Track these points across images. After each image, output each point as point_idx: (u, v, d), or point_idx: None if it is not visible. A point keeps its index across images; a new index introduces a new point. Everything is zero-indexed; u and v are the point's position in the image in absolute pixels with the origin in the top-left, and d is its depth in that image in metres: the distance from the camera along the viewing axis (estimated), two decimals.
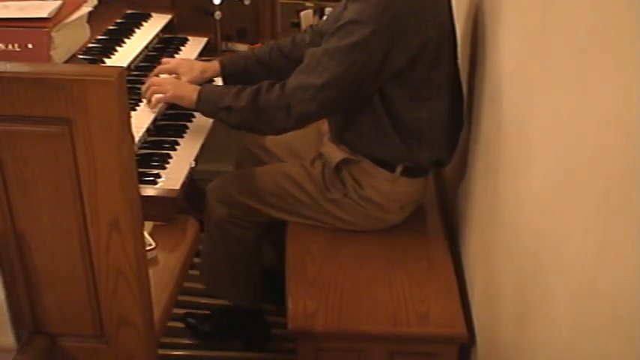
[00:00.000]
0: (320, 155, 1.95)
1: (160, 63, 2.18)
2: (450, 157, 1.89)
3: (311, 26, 2.15)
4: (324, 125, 2.07)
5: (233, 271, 2.05)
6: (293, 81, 1.71)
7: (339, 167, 1.86)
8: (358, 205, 1.85)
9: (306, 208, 1.91)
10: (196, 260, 2.15)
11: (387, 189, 1.84)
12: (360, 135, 1.82)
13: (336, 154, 1.86)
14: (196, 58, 2.28)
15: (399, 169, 1.82)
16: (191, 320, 2.22)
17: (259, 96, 1.72)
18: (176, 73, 1.99)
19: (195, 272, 2.19)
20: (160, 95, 1.87)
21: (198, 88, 1.84)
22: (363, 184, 1.84)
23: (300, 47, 2.03)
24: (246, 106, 1.72)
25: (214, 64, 2.04)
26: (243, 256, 2.02)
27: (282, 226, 2.03)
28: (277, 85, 1.72)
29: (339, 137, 1.88)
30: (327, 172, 1.88)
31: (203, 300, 2.31)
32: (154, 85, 1.89)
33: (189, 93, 1.83)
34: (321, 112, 1.75)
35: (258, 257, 2.10)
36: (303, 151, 2.08)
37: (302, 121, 1.75)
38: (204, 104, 1.81)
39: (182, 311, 2.25)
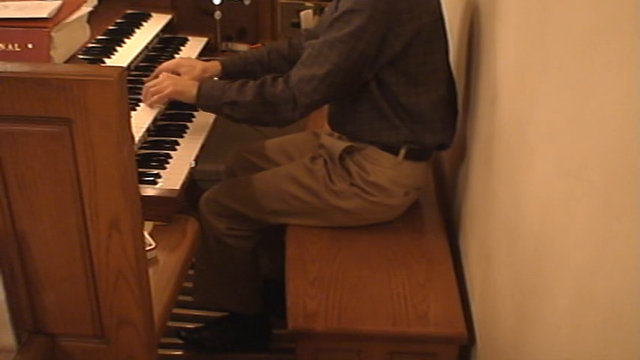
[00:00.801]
0: (320, 150, 1.96)
1: (160, 63, 2.18)
2: (451, 141, 1.92)
3: (306, 30, 2.16)
4: (321, 126, 2.08)
5: (235, 283, 2.05)
6: (296, 74, 1.74)
7: (342, 157, 1.88)
8: (364, 191, 1.87)
9: (311, 208, 1.91)
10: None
11: (392, 173, 1.86)
12: (362, 123, 1.84)
13: (338, 144, 1.89)
14: (196, 58, 2.28)
15: (402, 151, 1.84)
16: (184, 334, 2.20)
17: (264, 90, 1.75)
18: (177, 72, 1.98)
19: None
20: (160, 94, 1.86)
21: (197, 83, 1.85)
22: (368, 169, 1.86)
23: (297, 51, 2.05)
24: (252, 100, 1.75)
25: (215, 64, 2.04)
26: (244, 265, 2.02)
27: (277, 231, 2.03)
28: (280, 79, 1.75)
29: (339, 129, 1.91)
30: (330, 164, 1.90)
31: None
32: (153, 86, 1.88)
33: (189, 88, 1.84)
34: (324, 101, 1.80)
35: (257, 264, 2.09)
36: (301, 154, 2.08)
37: (307, 111, 1.79)
38: (206, 99, 1.82)
39: (182, 311, 2.25)
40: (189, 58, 2.15)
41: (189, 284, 2.23)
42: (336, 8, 1.83)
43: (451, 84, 1.89)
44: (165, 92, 1.86)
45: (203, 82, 1.86)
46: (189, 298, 2.27)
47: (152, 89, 1.88)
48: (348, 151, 1.87)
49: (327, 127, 2.00)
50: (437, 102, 1.83)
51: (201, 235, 1.93)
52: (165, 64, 2.02)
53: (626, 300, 0.85)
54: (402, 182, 1.88)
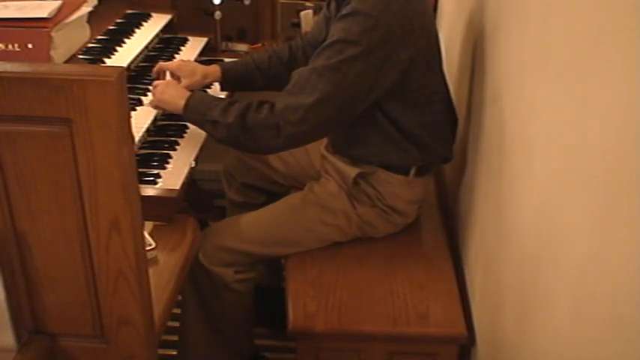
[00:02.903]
0: (325, 163, 1.91)
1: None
2: (452, 154, 1.91)
3: (301, 36, 2.12)
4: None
5: (232, 335, 2.00)
6: (281, 101, 1.63)
7: (356, 181, 1.82)
8: (385, 212, 1.85)
9: (339, 230, 1.86)
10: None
11: (405, 193, 1.83)
12: (368, 148, 1.78)
13: (346, 168, 1.83)
14: (196, 59, 2.28)
15: (412, 171, 1.81)
16: None
17: (248, 113, 1.64)
18: (177, 75, 1.96)
19: None
20: (150, 102, 1.86)
21: (187, 94, 1.77)
22: (382, 193, 1.82)
23: (296, 56, 2.02)
24: (233, 123, 1.64)
25: (216, 69, 2.00)
26: (244, 311, 1.98)
27: None
28: (266, 105, 1.65)
29: (343, 153, 1.84)
30: (344, 186, 1.85)
31: None
32: (162, 86, 1.85)
33: (176, 99, 1.77)
34: (314, 132, 1.68)
35: (254, 302, 2.04)
36: (303, 158, 2.07)
37: (292, 142, 1.68)
38: (191, 113, 1.74)
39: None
40: (190, 61, 2.10)
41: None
42: (329, 12, 1.81)
43: (449, 99, 1.85)
44: (152, 100, 1.84)
45: (193, 94, 1.78)
46: None
47: (158, 89, 1.84)
48: (360, 176, 1.81)
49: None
50: (439, 121, 1.79)
51: (194, 292, 1.89)
52: (165, 64, 2.00)
53: (627, 300, 0.85)
54: (414, 199, 1.87)
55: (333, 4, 1.81)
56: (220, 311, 1.94)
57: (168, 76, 2.00)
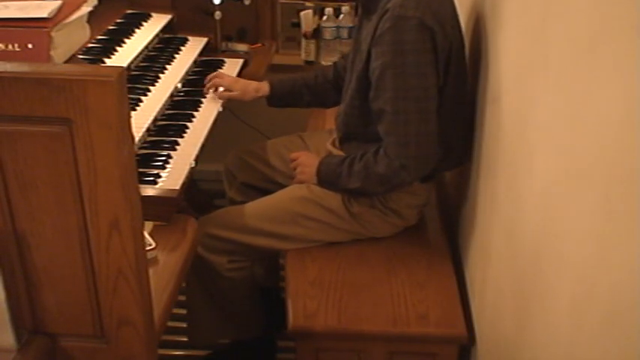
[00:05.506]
0: None
1: (160, 63, 2.19)
2: (462, 161, 1.89)
3: (344, 55, 2.15)
4: (322, 126, 2.06)
5: (236, 315, 2.02)
6: (390, 144, 1.68)
7: None
8: (384, 214, 1.85)
9: (330, 227, 1.87)
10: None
11: (407, 197, 1.84)
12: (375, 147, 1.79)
13: None
14: (197, 59, 2.31)
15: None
16: None
17: (370, 172, 1.72)
18: (231, 91, 2.09)
19: None
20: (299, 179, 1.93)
21: (315, 164, 1.86)
22: (386, 196, 1.83)
23: (341, 74, 2.06)
24: (363, 186, 1.76)
25: (265, 84, 2.11)
26: (245, 295, 2.00)
27: None
28: (381, 154, 1.70)
29: (351, 150, 1.85)
30: None
31: None
32: (300, 166, 1.93)
33: (312, 178, 1.87)
34: (429, 148, 1.69)
35: (256, 286, 2.06)
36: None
37: (421, 169, 1.73)
38: (327, 185, 1.85)
39: (182, 311, 2.26)
40: (239, 78, 2.21)
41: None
42: (361, 28, 1.80)
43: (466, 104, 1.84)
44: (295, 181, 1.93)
45: (319, 170, 1.85)
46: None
47: (297, 170, 1.93)
48: None
49: (328, 129, 1.98)
50: (459, 128, 1.79)
51: (194, 274, 1.91)
52: (219, 81, 2.11)
53: (626, 300, 0.85)
54: (417, 203, 1.88)
55: (360, 11, 1.84)
56: (219, 294, 1.97)
57: (221, 89, 2.12)
